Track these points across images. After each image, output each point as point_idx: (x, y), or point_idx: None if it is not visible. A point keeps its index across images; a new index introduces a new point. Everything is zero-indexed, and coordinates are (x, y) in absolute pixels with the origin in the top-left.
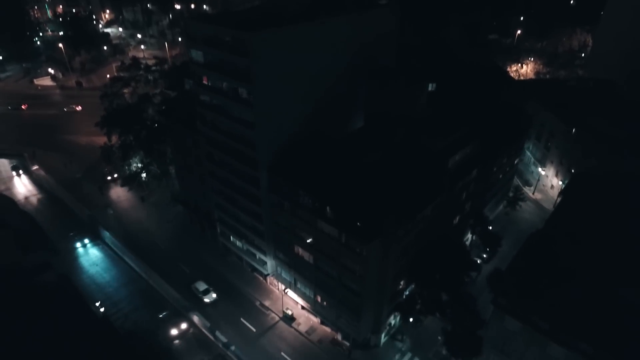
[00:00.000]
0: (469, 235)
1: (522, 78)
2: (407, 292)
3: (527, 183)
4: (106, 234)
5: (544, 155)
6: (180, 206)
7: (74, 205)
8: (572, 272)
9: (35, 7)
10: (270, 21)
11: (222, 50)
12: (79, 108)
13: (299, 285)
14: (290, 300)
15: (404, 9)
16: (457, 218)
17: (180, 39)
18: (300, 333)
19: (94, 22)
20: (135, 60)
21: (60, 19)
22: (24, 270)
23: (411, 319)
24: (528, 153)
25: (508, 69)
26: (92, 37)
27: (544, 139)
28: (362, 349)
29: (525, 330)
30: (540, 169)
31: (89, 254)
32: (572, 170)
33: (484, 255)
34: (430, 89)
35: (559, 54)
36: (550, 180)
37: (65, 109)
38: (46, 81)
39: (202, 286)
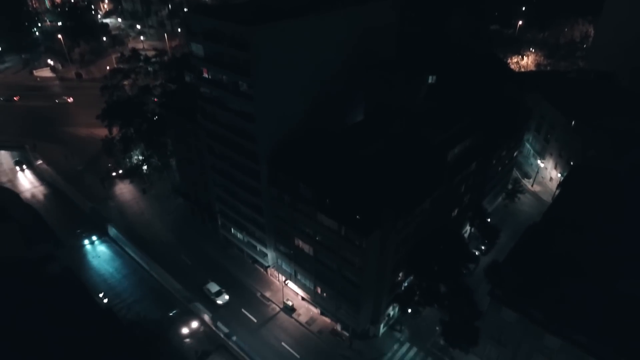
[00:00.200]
0: (468, 228)
1: (522, 70)
2: (406, 284)
3: (526, 175)
4: (109, 227)
5: (543, 147)
6: (181, 198)
7: (76, 199)
8: (568, 264)
9: None
10: (270, 14)
11: (223, 44)
12: (70, 100)
13: (299, 277)
14: (291, 292)
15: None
16: (456, 210)
17: (179, 30)
18: (300, 323)
19: (93, 12)
20: (135, 51)
21: (59, 9)
22: (28, 262)
23: (409, 310)
24: (528, 145)
25: (509, 61)
26: (91, 28)
27: (543, 131)
28: (361, 339)
29: (520, 321)
30: (539, 161)
31: (95, 248)
32: (571, 163)
33: (483, 247)
34: (430, 81)
35: (561, 45)
36: (549, 172)
37: (57, 101)
38: (45, 72)
39: (214, 287)
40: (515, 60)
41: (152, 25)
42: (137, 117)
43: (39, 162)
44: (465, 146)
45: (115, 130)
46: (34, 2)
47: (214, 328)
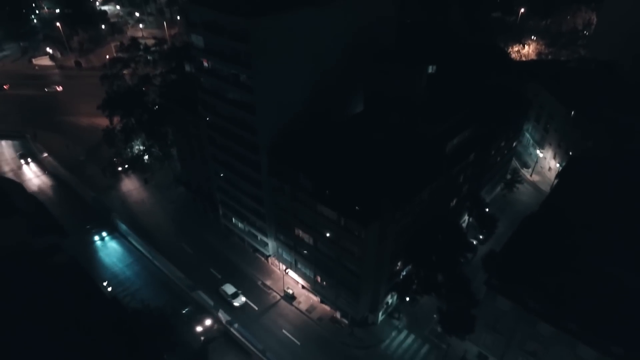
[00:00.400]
0: (466, 217)
1: (523, 59)
2: (404, 273)
3: (525, 165)
4: (112, 215)
5: (542, 137)
6: (183, 188)
7: (80, 189)
8: (564, 254)
9: None
10: (270, 4)
11: (222, 36)
12: (59, 89)
13: (299, 266)
14: (291, 280)
15: None
16: (454, 200)
17: (179, 18)
18: (300, 311)
19: None
20: (134, 40)
21: None
22: (34, 252)
23: (408, 299)
24: (527, 135)
25: (509, 50)
26: (90, 15)
27: (543, 121)
28: (361, 326)
29: (515, 310)
30: (538, 151)
31: (99, 238)
32: (570, 153)
33: (481, 237)
34: (430, 71)
35: (563, 33)
36: (548, 162)
37: (46, 89)
38: (44, 61)
39: (230, 289)
40: (516, 49)
41: (151, 12)
42: (138, 108)
43: (45, 154)
44: (464, 137)
45: (116, 120)
46: None
47: (216, 316)
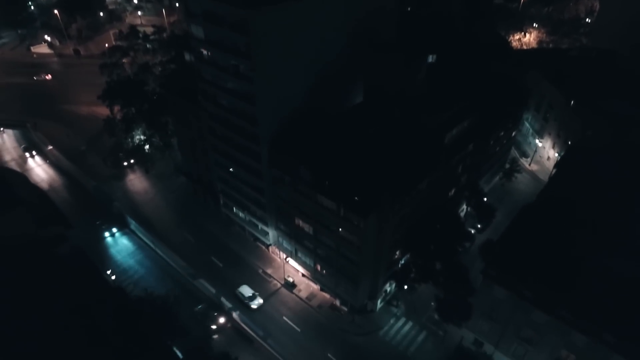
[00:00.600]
0: (464, 206)
1: (524, 47)
2: (403, 262)
3: (524, 154)
4: (115, 205)
5: (542, 126)
6: (183, 177)
7: (81, 178)
8: (561, 243)
9: None
10: None
11: (222, 26)
12: (49, 77)
13: (299, 255)
14: (292, 268)
15: None
16: (453, 190)
17: (177, 4)
18: (300, 299)
19: None
20: (133, 28)
21: None
22: (39, 242)
23: (406, 287)
24: (527, 124)
25: (510, 38)
26: (88, 2)
27: (542, 111)
28: (360, 313)
29: (511, 298)
30: (537, 141)
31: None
32: (569, 143)
33: (479, 226)
34: (430, 60)
35: (565, 20)
36: (547, 151)
37: (35, 78)
38: (43, 49)
39: (247, 291)
40: (517, 37)
41: None
42: (138, 97)
43: (49, 147)
44: (463, 127)
45: (116, 110)
46: None
47: (218, 303)
